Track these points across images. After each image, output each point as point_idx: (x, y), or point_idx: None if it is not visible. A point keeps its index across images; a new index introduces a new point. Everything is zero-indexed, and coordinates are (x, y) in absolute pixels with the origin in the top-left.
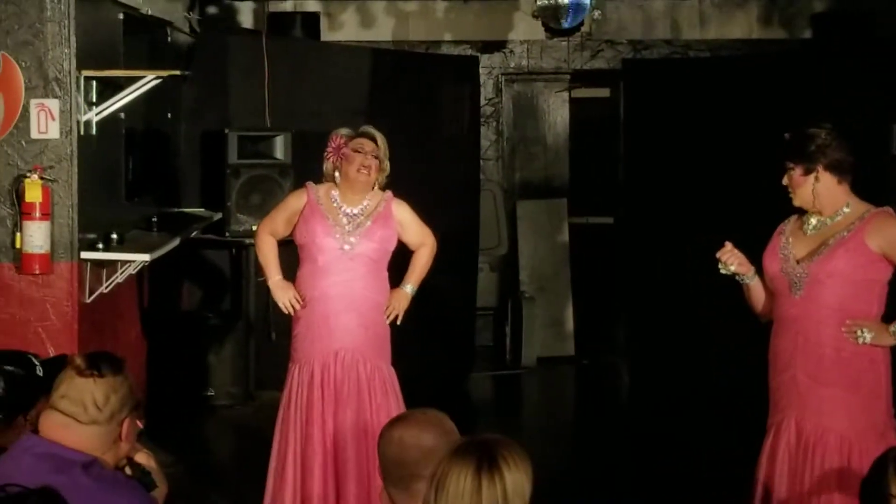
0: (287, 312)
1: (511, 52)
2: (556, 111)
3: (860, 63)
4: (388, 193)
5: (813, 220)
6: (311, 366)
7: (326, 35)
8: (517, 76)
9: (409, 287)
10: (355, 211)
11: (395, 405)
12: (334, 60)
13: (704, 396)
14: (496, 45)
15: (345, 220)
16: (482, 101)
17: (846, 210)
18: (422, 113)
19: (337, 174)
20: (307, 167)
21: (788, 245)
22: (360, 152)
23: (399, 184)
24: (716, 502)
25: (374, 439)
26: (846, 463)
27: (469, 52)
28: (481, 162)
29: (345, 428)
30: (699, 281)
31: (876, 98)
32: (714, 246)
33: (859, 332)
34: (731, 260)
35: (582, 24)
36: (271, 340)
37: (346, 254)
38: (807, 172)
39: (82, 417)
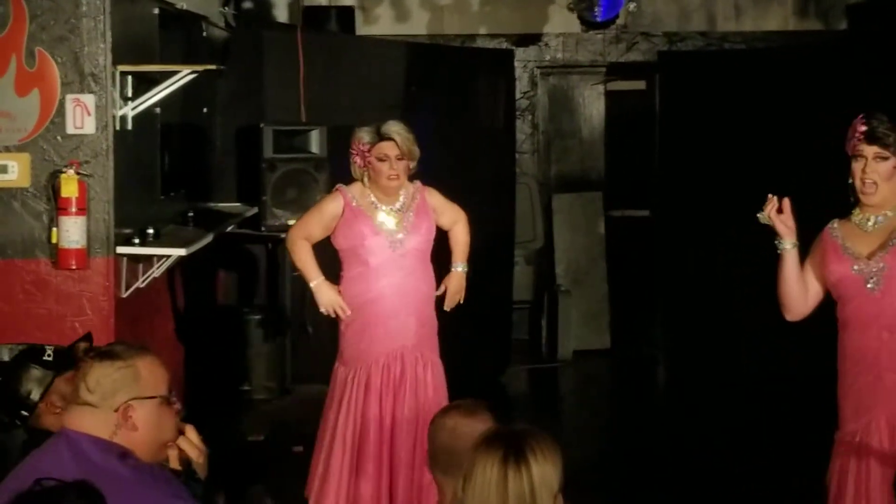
0: (329, 315)
1: (546, 45)
2: (592, 104)
3: None
4: (418, 183)
5: (871, 218)
6: (367, 368)
7: (361, 29)
8: (552, 69)
9: (461, 267)
10: (396, 207)
11: (445, 398)
12: (369, 54)
13: (739, 390)
14: (531, 39)
15: (389, 219)
16: (517, 95)
17: None
18: (457, 107)
19: (366, 179)
20: (343, 161)
21: (846, 248)
22: (385, 160)
23: (435, 177)
24: (748, 497)
25: (425, 432)
26: None
27: (504, 45)
28: (517, 155)
29: (402, 424)
30: (734, 273)
31: None
32: (748, 239)
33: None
34: (773, 213)
35: (617, 16)
36: (307, 334)
37: (396, 252)
38: None
39: (77, 399)
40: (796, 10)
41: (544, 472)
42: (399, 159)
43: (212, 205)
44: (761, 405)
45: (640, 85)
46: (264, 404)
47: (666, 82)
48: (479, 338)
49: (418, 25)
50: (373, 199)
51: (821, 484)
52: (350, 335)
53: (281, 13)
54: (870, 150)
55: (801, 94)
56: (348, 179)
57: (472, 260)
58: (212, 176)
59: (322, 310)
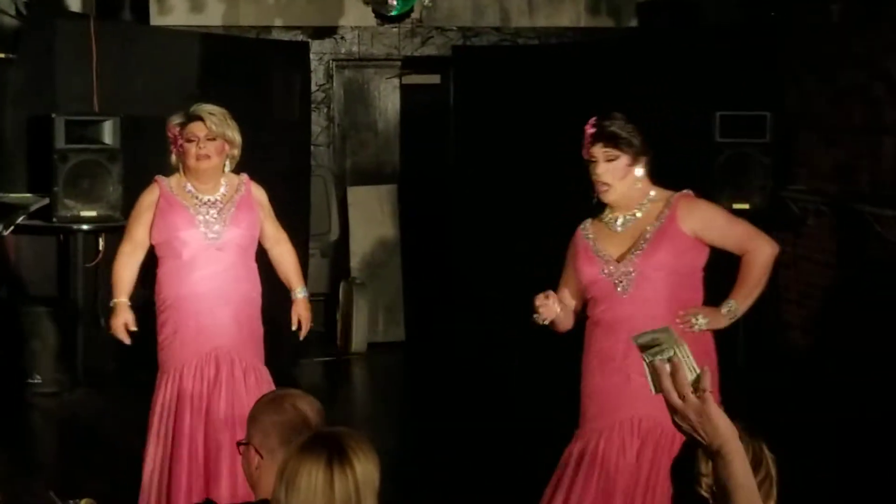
0: (117, 337)
1: (342, 38)
2: (387, 98)
3: (685, 51)
4: (245, 176)
5: (619, 217)
6: (179, 373)
7: (156, 19)
8: (348, 62)
9: (301, 292)
10: (215, 198)
11: None
12: (164, 45)
13: (531, 381)
14: (327, 31)
15: (205, 210)
16: (313, 87)
17: (650, 197)
18: (252, 98)
19: (181, 167)
20: (137, 152)
21: (597, 250)
22: (192, 141)
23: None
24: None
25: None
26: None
27: (300, 37)
28: (312, 148)
29: (218, 429)
30: (527, 267)
31: (700, 86)
32: (542, 232)
33: (694, 320)
34: (548, 315)
35: (412, 10)
36: (100, 326)
37: (213, 244)
38: (633, 163)
39: None
40: (588, 6)
41: (367, 470)
42: (210, 139)
43: (1, 195)
44: (552, 398)
45: (434, 79)
46: (53, 398)
47: (460, 77)
48: (273, 330)
49: (213, 16)
50: (190, 187)
51: None
52: (164, 337)
53: (74, 2)
54: (600, 152)
55: (593, 90)
56: (141, 171)
57: (263, 253)
58: (1, 166)
59: (113, 329)
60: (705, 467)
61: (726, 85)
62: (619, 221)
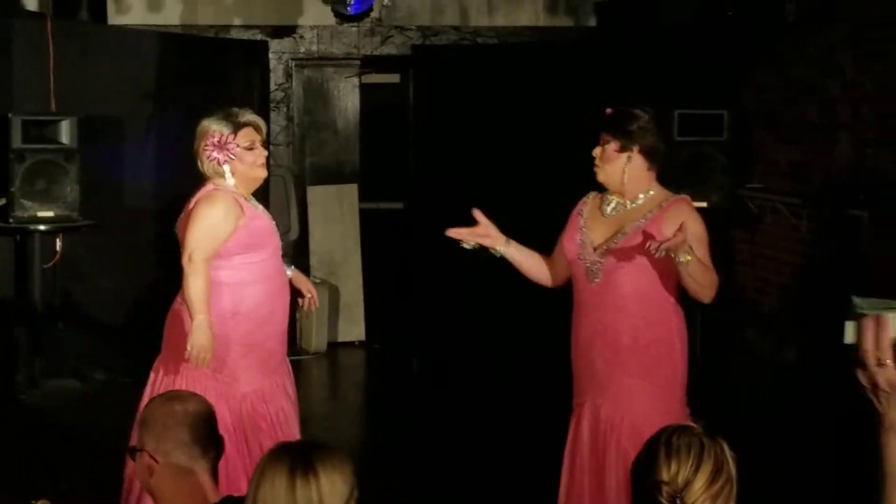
0: (195, 364)
1: (301, 37)
2: (347, 97)
3: (643, 50)
4: None
5: (613, 202)
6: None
7: (114, 18)
8: (307, 61)
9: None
10: (260, 208)
11: None
12: (122, 44)
13: (491, 379)
14: (286, 31)
15: (266, 216)
16: (272, 87)
17: (648, 195)
18: (211, 98)
19: (228, 174)
20: (94, 152)
21: (586, 229)
22: (253, 149)
23: (188, 170)
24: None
25: None
26: (637, 450)
27: (259, 37)
28: (272, 147)
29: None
30: (487, 265)
31: (658, 84)
32: (501, 230)
33: (682, 256)
34: (462, 237)
35: (371, 9)
36: (58, 329)
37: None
38: (622, 150)
39: None
40: (547, 6)
41: (333, 482)
42: (263, 145)
43: None
44: (511, 396)
45: (394, 78)
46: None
47: (419, 76)
48: None
49: (171, 16)
50: (244, 197)
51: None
52: (229, 352)
53: (31, 1)
54: (602, 134)
55: (552, 89)
56: (99, 170)
57: None
58: None
59: (192, 351)
60: (667, 474)
61: (684, 84)
62: (611, 206)
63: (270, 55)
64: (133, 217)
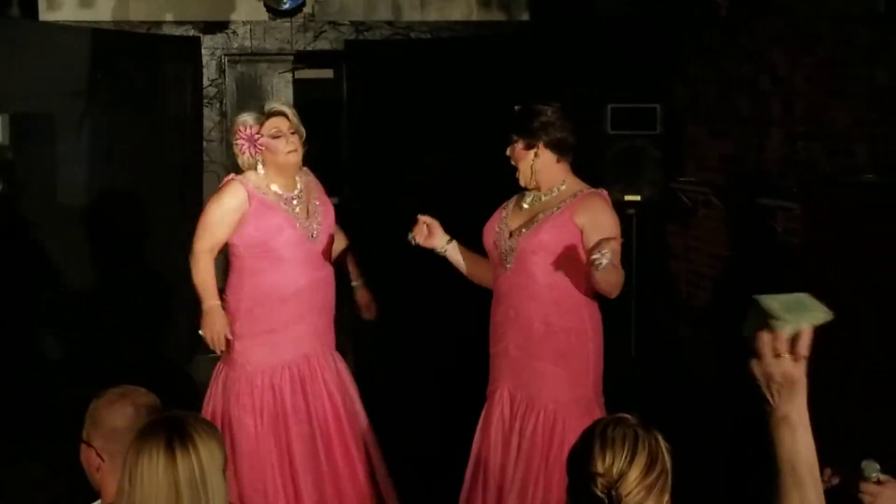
0: (212, 348)
1: (234, 32)
2: (280, 92)
3: (576, 44)
4: (306, 168)
5: (531, 195)
6: (268, 376)
7: (45, 14)
8: (240, 57)
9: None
10: (293, 194)
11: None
12: (53, 40)
13: (426, 374)
14: (218, 26)
15: (292, 207)
16: (205, 83)
17: (562, 188)
18: (144, 94)
19: (260, 166)
20: (26, 149)
21: (506, 219)
22: (280, 137)
23: (121, 167)
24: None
25: None
26: (549, 436)
27: (191, 32)
28: (205, 143)
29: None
30: (420, 260)
31: (592, 78)
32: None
33: (599, 255)
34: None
35: (304, 4)
36: None
37: (311, 243)
38: (528, 147)
39: None
40: (480, 0)
41: (210, 448)
42: (292, 133)
43: None
44: (436, 388)
45: (328, 73)
46: None
47: (353, 71)
48: (166, 327)
49: (103, 11)
50: (275, 188)
51: None
52: (248, 338)
53: None
54: (511, 135)
55: (485, 84)
56: (31, 168)
57: (161, 248)
58: None
59: (206, 335)
60: (601, 466)
61: (617, 78)
62: (528, 199)
63: (203, 51)
64: (64, 214)
